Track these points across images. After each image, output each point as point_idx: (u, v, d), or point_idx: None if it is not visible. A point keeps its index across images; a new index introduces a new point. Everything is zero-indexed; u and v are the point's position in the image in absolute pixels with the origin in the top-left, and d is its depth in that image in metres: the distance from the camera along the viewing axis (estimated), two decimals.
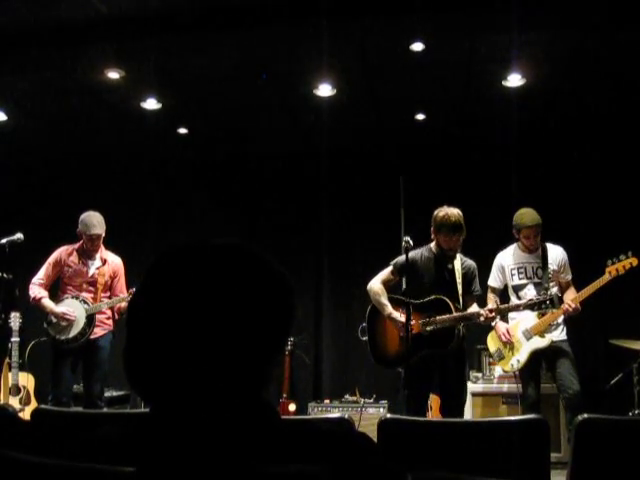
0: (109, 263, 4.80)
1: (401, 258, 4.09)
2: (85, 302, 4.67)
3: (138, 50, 4.43)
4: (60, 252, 4.77)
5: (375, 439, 1.63)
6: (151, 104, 5.22)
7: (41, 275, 4.72)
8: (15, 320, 5.05)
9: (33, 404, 5.29)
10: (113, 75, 4.64)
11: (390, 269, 4.20)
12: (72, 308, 4.63)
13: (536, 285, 4.49)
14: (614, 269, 4.22)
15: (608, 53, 4.43)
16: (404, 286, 4.23)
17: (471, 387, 5.21)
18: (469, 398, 5.16)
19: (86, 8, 3.98)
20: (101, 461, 0.96)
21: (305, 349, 6.34)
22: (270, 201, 6.66)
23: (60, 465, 0.98)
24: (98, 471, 0.96)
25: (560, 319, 4.45)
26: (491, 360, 5.11)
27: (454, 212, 4.01)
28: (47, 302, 4.65)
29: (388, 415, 2.09)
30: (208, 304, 0.96)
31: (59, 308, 4.61)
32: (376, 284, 4.20)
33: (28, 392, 5.34)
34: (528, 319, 4.45)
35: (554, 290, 4.34)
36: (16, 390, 5.19)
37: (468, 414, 5.07)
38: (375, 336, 4.24)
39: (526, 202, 4.61)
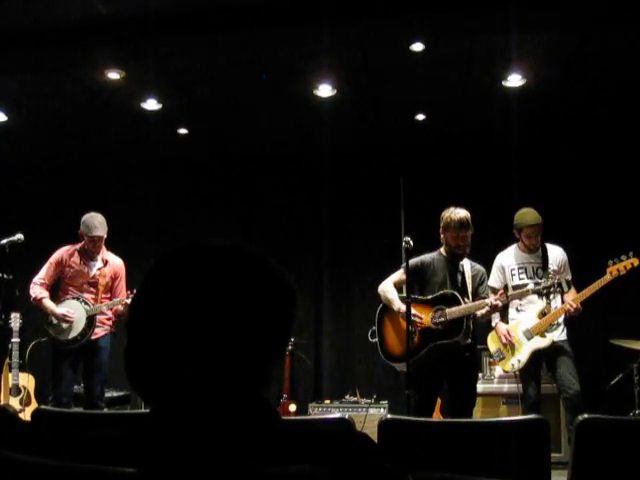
0: (110, 264, 4.80)
1: (412, 260, 4.14)
2: (86, 303, 4.67)
3: (138, 50, 4.43)
4: (62, 252, 4.77)
5: (375, 439, 1.62)
6: (151, 104, 5.23)
7: (42, 275, 4.72)
8: (15, 321, 5.05)
9: (33, 405, 5.29)
10: (113, 75, 4.64)
11: (401, 271, 4.23)
12: (72, 309, 4.62)
13: (537, 285, 4.48)
14: (615, 269, 4.22)
15: (608, 53, 4.43)
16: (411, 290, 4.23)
17: None
18: None
19: (86, 8, 3.98)
20: (102, 462, 0.96)
21: (305, 350, 6.34)
22: (270, 201, 6.66)
23: (60, 466, 0.98)
24: (99, 472, 0.96)
25: (561, 319, 4.45)
26: (491, 360, 5.11)
27: (461, 210, 4.11)
28: (48, 302, 4.65)
29: (389, 415, 2.09)
30: (209, 305, 0.95)
31: (59, 309, 4.61)
32: (387, 285, 4.27)
33: (28, 393, 5.35)
34: (529, 319, 4.45)
35: (558, 302, 4.37)
36: (16, 391, 5.19)
37: None
38: (385, 334, 4.27)
39: (526, 202, 4.61)
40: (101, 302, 4.72)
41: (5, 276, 4.76)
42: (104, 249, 4.79)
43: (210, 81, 4.93)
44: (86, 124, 5.75)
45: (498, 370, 5.21)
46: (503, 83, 4.84)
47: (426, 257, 4.22)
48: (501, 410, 5.12)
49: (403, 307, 4.07)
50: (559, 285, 4.12)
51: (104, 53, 4.42)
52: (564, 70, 4.70)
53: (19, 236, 4.70)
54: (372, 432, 1.16)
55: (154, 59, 4.54)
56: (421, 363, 4.01)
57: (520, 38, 4.16)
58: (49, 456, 1.00)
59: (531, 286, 4.47)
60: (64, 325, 4.60)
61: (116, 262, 4.85)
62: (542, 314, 4.42)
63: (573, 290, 4.46)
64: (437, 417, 4.74)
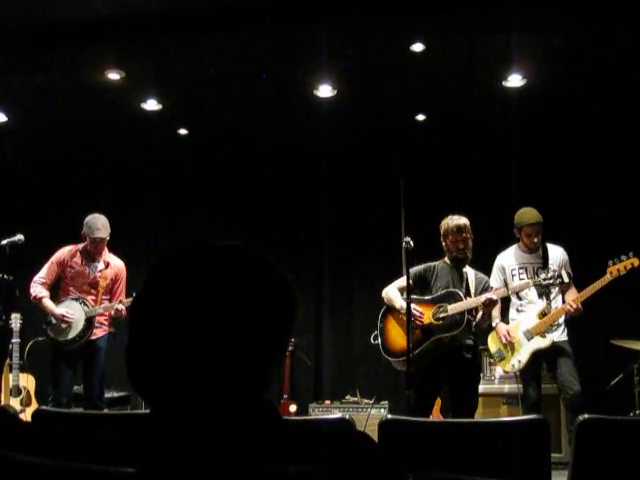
0: (112, 266, 4.80)
1: (417, 267, 4.24)
2: (85, 304, 4.67)
3: (138, 51, 4.43)
4: (63, 252, 4.76)
5: (376, 440, 1.62)
6: (151, 105, 5.23)
7: (43, 274, 4.72)
8: (16, 321, 5.04)
9: (34, 405, 5.29)
10: (113, 76, 4.64)
11: (405, 276, 4.23)
12: (72, 310, 4.62)
13: (538, 286, 4.48)
14: (615, 269, 4.22)
15: (608, 53, 4.43)
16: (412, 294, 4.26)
17: None
18: None
19: (86, 9, 3.98)
20: (102, 462, 0.96)
21: (306, 350, 6.34)
22: (270, 202, 6.66)
23: (61, 466, 0.98)
24: (99, 472, 0.96)
25: (561, 319, 4.45)
26: (492, 361, 5.10)
27: (459, 216, 4.18)
28: (48, 302, 4.64)
29: (389, 416, 2.09)
30: (210, 306, 0.95)
31: (59, 309, 4.60)
32: (391, 289, 4.32)
33: (29, 393, 5.34)
34: (529, 320, 4.45)
35: (559, 302, 4.37)
36: (17, 391, 5.19)
37: None
38: (387, 332, 4.28)
39: (527, 202, 4.61)
40: (101, 303, 4.72)
41: (5, 277, 4.76)
42: (106, 251, 4.78)
43: (210, 81, 4.93)
44: (86, 124, 5.75)
45: (498, 370, 5.20)
46: (503, 83, 4.84)
47: (430, 264, 4.27)
48: (501, 410, 5.12)
49: (405, 305, 4.08)
50: (559, 276, 4.11)
51: (104, 53, 4.42)
52: (564, 70, 4.70)
53: (19, 237, 4.70)
54: (372, 432, 1.16)
55: (154, 59, 4.54)
56: (422, 362, 4.02)
57: (520, 38, 4.16)
58: (49, 456, 1.00)
59: (530, 297, 4.47)
60: (63, 326, 4.60)
61: (117, 264, 4.84)
62: (542, 314, 4.41)
63: (574, 290, 4.46)
64: (437, 417, 4.74)
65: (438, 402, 4.83)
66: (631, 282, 4.50)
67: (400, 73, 4.78)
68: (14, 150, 6.21)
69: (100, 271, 4.75)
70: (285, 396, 5.98)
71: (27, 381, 5.34)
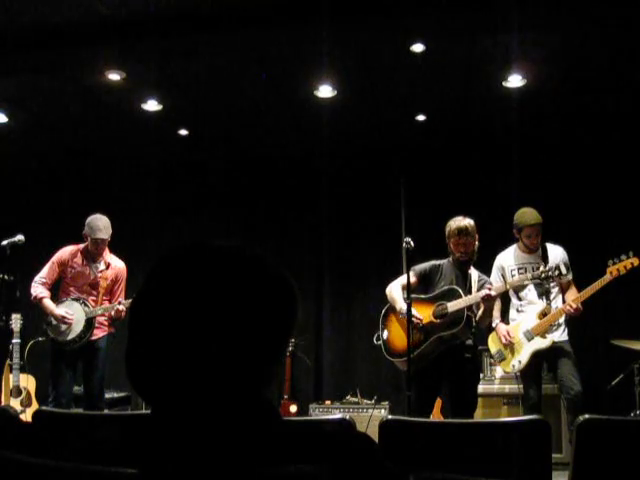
0: (112, 267, 4.79)
1: (423, 264, 4.26)
2: (85, 304, 4.66)
3: (139, 52, 4.43)
4: (64, 252, 4.76)
5: (376, 440, 1.62)
6: (152, 105, 5.23)
7: (43, 274, 4.71)
8: (16, 322, 5.05)
9: (34, 406, 5.29)
10: (114, 77, 4.64)
11: (410, 273, 4.20)
12: (72, 310, 4.62)
13: (537, 286, 4.48)
14: (615, 269, 4.21)
15: (608, 54, 4.43)
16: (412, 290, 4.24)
17: None
18: None
19: (86, 10, 3.98)
20: (102, 463, 0.96)
21: (306, 350, 6.34)
22: (271, 202, 6.66)
23: (61, 467, 0.98)
24: (99, 473, 0.96)
25: (561, 320, 4.44)
26: (492, 361, 5.11)
27: (464, 218, 4.18)
28: (48, 303, 4.64)
29: (389, 416, 2.09)
30: (209, 305, 0.95)
31: (59, 310, 4.60)
32: (395, 287, 4.31)
33: (29, 394, 5.34)
34: (529, 320, 4.45)
35: (559, 303, 4.37)
36: (17, 392, 5.19)
37: None
38: (388, 332, 4.29)
39: (527, 202, 4.61)
40: (101, 304, 4.72)
41: (6, 277, 4.76)
42: (107, 251, 4.78)
43: (210, 82, 4.93)
44: (86, 125, 5.76)
45: (499, 371, 5.20)
46: (503, 84, 4.84)
47: (436, 262, 4.28)
48: (502, 411, 5.12)
49: (404, 307, 4.08)
50: (557, 268, 4.11)
51: (104, 54, 4.42)
52: (564, 70, 4.70)
53: (20, 237, 4.69)
54: (373, 433, 1.16)
55: (154, 60, 4.54)
56: (423, 362, 4.02)
57: (520, 38, 4.15)
58: (50, 457, 1.00)
59: (530, 297, 4.47)
60: (63, 326, 4.59)
61: (118, 265, 4.84)
62: (543, 315, 4.41)
63: (574, 290, 4.46)
64: (438, 418, 4.74)
65: (438, 402, 4.83)
66: (631, 282, 4.50)
67: (400, 73, 4.78)
68: (14, 151, 6.22)
69: (101, 272, 4.75)
70: (285, 396, 5.98)
71: (27, 382, 5.34)
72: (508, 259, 4.61)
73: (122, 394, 5.81)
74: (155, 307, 0.98)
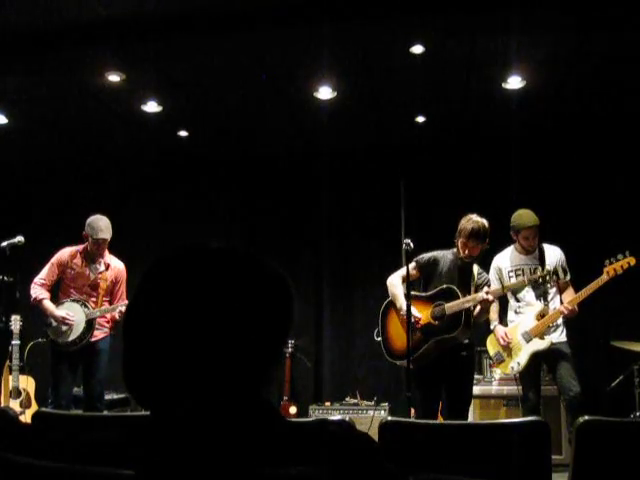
0: (112, 268, 4.79)
1: (425, 255, 4.19)
2: (86, 305, 4.66)
3: (138, 53, 4.44)
4: (64, 253, 4.75)
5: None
6: (152, 107, 5.23)
7: (43, 275, 4.70)
8: (16, 323, 5.04)
9: (34, 407, 5.29)
10: (114, 78, 4.64)
11: (412, 265, 4.17)
12: (72, 312, 4.61)
13: (534, 287, 4.48)
14: (612, 269, 4.20)
15: (608, 55, 4.43)
16: (412, 283, 4.22)
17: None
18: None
19: (86, 11, 3.98)
20: (102, 464, 0.96)
21: (306, 351, 6.34)
22: (270, 203, 6.66)
23: (61, 468, 0.98)
24: (99, 474, 0.95)
25: (559, 321, 4.44)
26: (491, 363, 5.11)
27: (478, 219, 4.07)
28: (48, 304, 4.63)
29: (389, 418, 2.09)
30: (206, 308, 0.95)
31: (59, 311, 4.59)
32: (395, 278, 4.26)
33: (28, 395, 5.34)
34: (527, 321, 4.44)
35: (557, 304, 4.37)
36: (17, 393, 5.19)
37: (469, 417, 5.07)
38: (387, 332, 4.28)
39: (526, 203, 4.61)
40: (102, 305, 4.71)
41: (6, 278, 4.76)
42: (107, 252, 4.78)
43: (210, 83, 4.93)
44: (86, 126, 5.76)
45: (498, 372, 5.20)
46: (503, 85, 4.84)
47: (439, 254, 4.22)
48: (501, 412, 5.12)
49: (405, 305, 4.08)
50: (555, 273, 4.11)
51: (104, 55, 4.43)
52: (564, 72, 4.70)
53: (19, 238, 4.69)
54: (373, 434, 1.16)
55: (154, 61, 4.54)
56: (423, 363, 4.02)
57: (520, 40, 4.16)
58: (49, 458, 1.00)
59: (527, 298, 4.47)
60: (63, 327, 4.58)
61: (118, 266, 4.83)
62: (540, 316, 4.41)
63: (571, 291, 4.46)
64: (438, 419, 4.73)
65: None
66: (632, 283, 4.50)
67: (400, 75, 4.79)
68: (14, 152, 6.22)
69: (100, 273, 4.74)
70: (285, 398, 5.98)
71: (27, 383, 5.34)
72: (505, 260, 4.61)
73: (121, 395, 5.80)
74: (150, 310, 0.98)
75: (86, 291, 4.71)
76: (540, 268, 4.27)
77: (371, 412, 5.54)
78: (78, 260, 4.72)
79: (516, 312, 4.57)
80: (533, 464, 1.94)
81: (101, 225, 4.61)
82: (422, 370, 4.02)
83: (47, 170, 6.71)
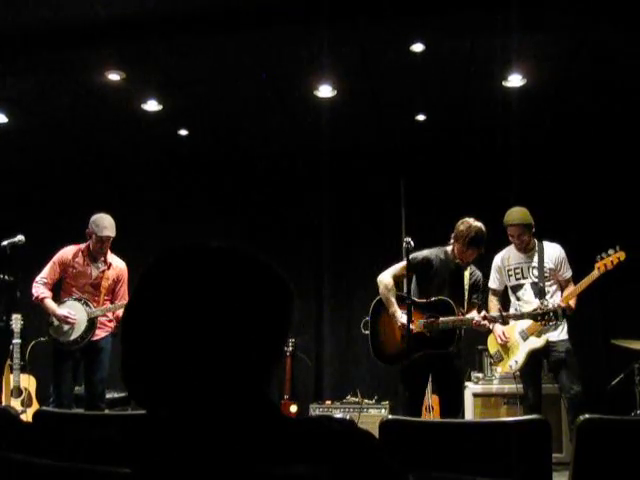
0: (114, 267, 4.79)
1: (417, 254, 4.15)
2: (87, 304, 4.66)
3: (139, 52, 4.43)
4: (66, 252, 4.75)
5: None
6: (152, 106, 5.23)
7: (45, 274, 4.70)
8: (16, 322, 5.04)
9: (35, 406, 5.29)
10: (114, 77, 4.64)
11: (404, 264, 4.14)
12: (74, 311, 4.61)
13: (533, 285, 4.48)
14: (602, 265, 4.21)
15: (608, 53, 4.43)
16: (411, 285, 4.20)
17: (472, 388, 5.22)
18: (470, 399, 5.17)
19: (86, 10, 3.98)
20: (103, 463, 0.96)
21: (306, 350, 6.34)
22: (270, 202, 6.66)
23: (62, 467, 0.98)
24: (100, 473, 0.96)
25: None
26: (492, 361, 5.11)
27: (478, 227, 4.04)
28: (50, 303, 4.63)
29: (390, 416, 2.09)
30: (205, 307, 0.95)
31: (61, 310, 4.59)
32: (387, 277, 4.22)
33: (30, 394, 5.35)
34: (524, 320, 4.44)
35: (556, 300, 4.36)
36: (17, 392, 5.19)
37: (469, 415, 5.08)
38: (377, 331, 4.27)
39: (527, 202, 4.61)
40: (103, 304, 4.71)
41: (6, 278, 4.76)
42: (108, 251, 4.78)
43: (210, 82, 4.93)
44: (86, 125, 5.76)
45: (499, 371, 5.21)
46: (503, 83, 4.83)
47: (432, 254, 4.20)
48: (502, 410, 5.12)
49: (398, 312, 4.09)
50: (554, 312, 4.10)
51: (104, 54, 4.42)
52: (564, 70, 4.70)
53: (20, 237, 4.69)
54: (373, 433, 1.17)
55: (154, 60, 4.54)
56: (408, 367, 4.03)
57: (520, 38, 4.15)
58: (50, 457, 1.00)
59: (527, 296, 4.47)
60: (65, 326, 4.59)
61: (119, 265, 4.84)
62: (544, 323, 4.40)
63: (572, 288, 4.45)
64: (438, 417, 4.74)
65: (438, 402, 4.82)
66: (632, 281, 4.50)
67: (400, 73, 4.78)
68: (15, 151, 6.22)
69: (102, 271, 4.74)
70: (286, 396, 5.99)
71: (28, 382, 5.34)
72: (505, 259, 4.62)
73: (122, 394, 5.80)
74: (150, 309, 0.97)
75: (88, 290, 4.71)
76: (541, 307, 4.24)
77: (372, 411, 5.55)
78: (80, 259, 4.72)
79: (516, 310, 4.57)
80: (534, 462, 1.94)
81: (106, 223, 4.62)
82: (408, 369, 4.03)
83: (47, 169, 6.70)
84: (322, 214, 6.57)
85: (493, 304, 4.65)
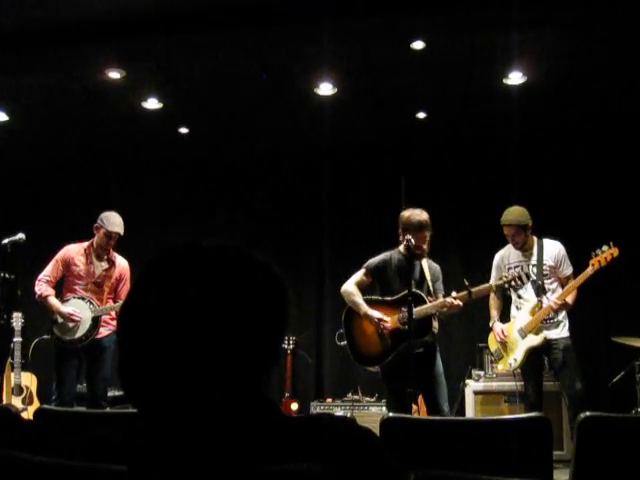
0: (116, 266, 4.79)
1: (374, 260, 4.27)
2: (91, 303, 4.65)
3: (139, 50, 4.43)
4: (69, 249, 4.74)
5: None
6: (152, 104, 5.23)
7: (47, 272, 4.69)
8: (17, 320, 5.05)
9: (36, 404, 5.30)
10: (114, 75, 4.64)
11: (363, 271, 4.30)
12: (78, 309, 4.60)
13: (532, 283, 4.48)
14: (597, 261, 4.22)
15: (609, 51, 4.42)
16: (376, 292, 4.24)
17: (473, 385, 5.22)
18: (471, 396, 5.17)
19: (87, 8, 3.98)
20: (104, 460, 0.96)
21: (307, 348, 6.34)
22: (271, 201, 6.65)
23: (62, 465, 0.98)
24: (100, 471, 0.96)
25: (561, 316, 4.44)
26: (492, 358, 5.12)
27: (418, 211, 4.13)
28: (54, 301, 4.62)
29: (390, 414, 2.09)
30: (202, 306, 0.95)
31: (66, 308, 4.58)
32: (350, 285, 4.33)
33: (31, 392, 5.35)
34: (523, 318, 4.45)
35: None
36: (19, 390, 5.20)
37: (470, 412, 5.08)
38: (354, 338, 4.33)
39: (527, 200, 4.61)
40: (106, 303, 4.71)
41: (7, 276, 4.76)
42: (111, 250, 4.78)
43: (211, 80, 4.93)
44: (87, 124, 5.75)
45: (500, 369, 5.21)
46: (504, 81, 4.83)
47: (386, 256, 4.27)
48: (502, 408, 5.12)
49: (370, 311, 4.15)
50: (519, 278, 4.12)
51: (105, 52, 4.42)
52: (565, 68, 4.69)
53: (20, 236, 4.69)
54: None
55: (155, 59, 4.54)
56: (392, 364, 4.05)
57: (521, 36, 4.15)
58: (51, 455, 1.00)
59: (527, 295, 4.46)
60: (70, 325, 4.57)
61: (122, 264, 4.83)
62: (534, 312, 4.41)
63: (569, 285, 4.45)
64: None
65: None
66: (633, 279, 4.50)
67: (401, 71, 4.78)
68: (15, 150, 6.22)
69: (105, 270, 4.74)
70: (286, 394, 5.99)
71: (29, 380, 5.35)
72: (505, 257, 4.62)
73: (123, 392, 5.80)
74: (146, 308, 0.97)
75: (91, 288, 4.70)
76: (509, 273, 4.23)
77: (373, 409, 5.55)
78: (83, 257, 4.71)
79: (517, 308, 4.58)
80: (535, 460, 1.94)
81: (117, 220, 4.65)
82: (391, 370, 4.07)
83: (47, 167, 6.70)
84: (322, 212, 6.56)
85: (494, 301, 4.65)
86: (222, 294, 0.96)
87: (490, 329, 4.63)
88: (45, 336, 5.10)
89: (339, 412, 5.54)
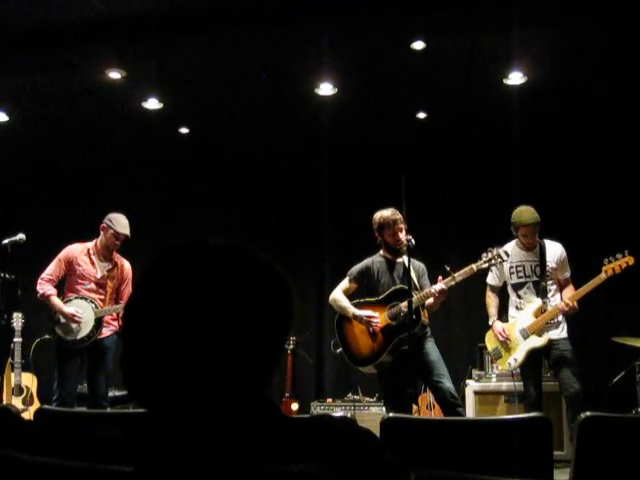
0: (119, 267, 4.78)
1: (356, 266, 4.38)
2: (94, 303, 4.65)
3: (139, 50, 4.43)
4: (71, 249, 4.73)
5: None
6: (152, 104, 5.23)
7: (50, 271, 4.67)
8: (17, 320, 5.05)
9: (36, 404, 5.30)
10: (114, 75, 4.64)
11: (347, 279, 4.38)
12: (81, 309, 4.58)
13: (535, 283, 4.48)
14: (610, 268, 4.21)
15: (609, 51, 4.43)
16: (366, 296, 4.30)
17: (472, 385, 5.22)
18: (471, 396, 5.17)
19: (87, 8, 3.98)
20: (104, 461, 0.96)
21: (307, 348, 6.34)
22: (272, 201, 6.66)
23: (62, 465, 0.98)
24: (100, 471, 0.96)
25: (560, 317, 4.44)
26: (490, 357, 5.11)
27: (386, 209, 4.30)
28: (56, 301, 4.61)
29: (390, 414, 2.09)
30: (205, 306, 0.95)
31: (69, 308, 4.56)
32: (337, 293, 4.38)
33: (31, 392, 5.35)
34: (525, 318, 4.44)
35: (557, 299, 4.36)
36: (19, 390, 5.20)
37: (470, 412, 5.08)
38: (347, 343, 4.35)
39: (527, 200, 4.60)
40: (109, 303, 4.70)
41: (7, 276, 4.75)
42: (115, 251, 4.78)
43: (211, 80, 4.93)
44: (87, 124, 5.76)
45: (499, 368, 5.20)
46: (504, 81, 4.83)
47: (368, 261, 4.36)
48: (502, 408, 5.12)
49: (357, 312, 4.19)
50: (499, 256, 4.12)
51: (105, 53, 4.42)
52: (565, 68, 4.70)
53: (21, 236, 4.68)
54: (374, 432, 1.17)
55: (155, 59, 4.54)
56: (388, 364, 4.08)
57: (521, 36, 4.15)
58: (51, 455, 1.00)
59: (528, 295, 4.46)
60: (73, 325, 4.56)
61: (125, 265, 4.83)
62: (539, 313, 4.41)
63: (571, 288, 4.45)
64: (439, 415, 4.74)
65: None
66: (633, 280, 4.49)
67: (401, 71, 4.78)
68: (15, 150, 6.22)
69: (108, 271, 4.73)
70: (287, 394, 5.99)
71: (30, 380, 5.35)
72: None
73: (123, 392, 5.81)
74: (150, 308, 0.97)
75: (93, 289, 4.69)
76: (487, 253, 4.23)
77: (373, 409, 5.55)
78: (86, 257, 4.70)
79: (517, 308, 4.57)
80: (535, 460, 1.94)
81: (124, 222, 4.66)
82: (385, 372, 4.12)
83: (48, 167, 6.70)
84: (323, 212, 6.56)
85: (491, 300, 4.65)
86: (226, 293, 0.96)
87: (489, 327, 4.63)
88: (47, 336, 5.09)
89: (339, 412, 5.55)
